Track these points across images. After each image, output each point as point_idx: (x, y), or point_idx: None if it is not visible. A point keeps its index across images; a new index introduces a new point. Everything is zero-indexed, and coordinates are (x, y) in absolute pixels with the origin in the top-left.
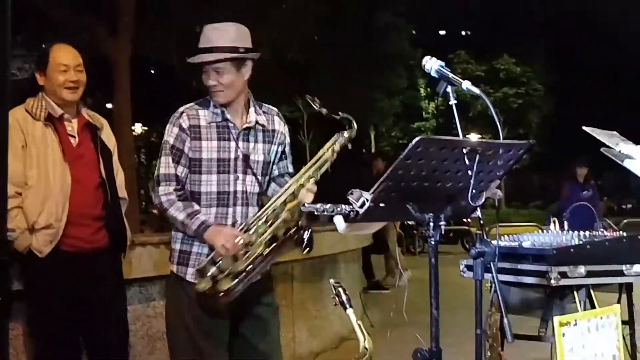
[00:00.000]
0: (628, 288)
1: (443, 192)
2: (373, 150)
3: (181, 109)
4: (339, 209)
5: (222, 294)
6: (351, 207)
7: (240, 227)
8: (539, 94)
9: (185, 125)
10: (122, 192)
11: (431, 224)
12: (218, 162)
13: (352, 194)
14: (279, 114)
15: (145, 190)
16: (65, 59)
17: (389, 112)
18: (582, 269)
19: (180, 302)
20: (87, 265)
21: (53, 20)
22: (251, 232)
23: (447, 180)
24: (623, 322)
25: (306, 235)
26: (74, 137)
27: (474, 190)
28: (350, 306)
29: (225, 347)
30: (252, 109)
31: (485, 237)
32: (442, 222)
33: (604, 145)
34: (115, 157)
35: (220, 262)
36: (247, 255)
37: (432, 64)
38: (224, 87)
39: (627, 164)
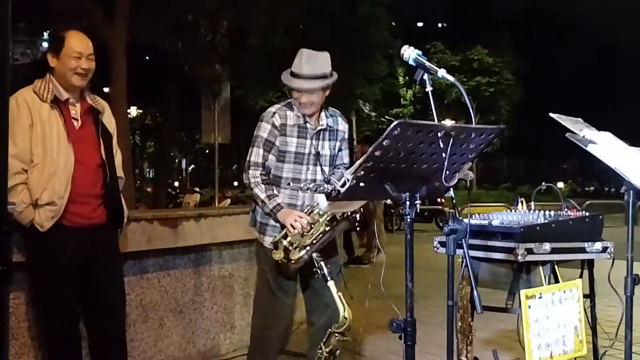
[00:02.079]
0: (589, 264)
1: (419, 173)
2: (355, 133)
3: (273, 109)
4: (321, 187)
5: (293, 262)
6: (333, 186)
7: (306, 210)
8: (509, 83)
9: (277, 123)
10: (120, 172)
11: (407, 202)
12: (295, 155)
13: (334, 173)
14: (341, 115)
15: (139, 170)
16: (80, 47)
17: (370, 98)
18: (547, 246)
19: (261, 256)
20: (86, 239)
21: (53, 7)
22: (314, 213)
23: (422, 162)
24: (584, 296)
25: (358, 216)
26: (76, 120)
27: (447, 172)
28: (331, 279)
29: (294, 298)
30: (323, 114)
31: (457, 215)
32: (418, 201)
33: (569, 130)
34: (114, 139)
35: (290, 237)
36: (311, 231)
37: (410, 53)
38: (314, 104)
39: (590, 148)
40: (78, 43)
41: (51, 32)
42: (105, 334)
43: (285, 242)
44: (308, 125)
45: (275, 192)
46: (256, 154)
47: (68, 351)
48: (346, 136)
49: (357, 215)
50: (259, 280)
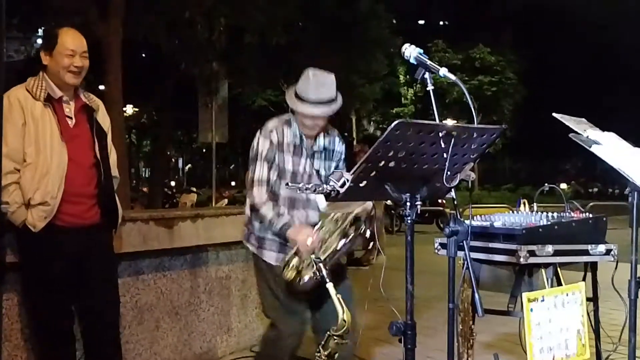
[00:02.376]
0: (593, 267)
1: (420, 173)
2: (354, 133)
3: (270, 126)
4: (320, 188)
5: (303, 282)
6: (332, 186)
7: (315, 228)
8: (512, 82)
9: (275, 141)
10: (115, 171)
11: (408, 203)
12: (292, 174)
13: (333, 174)
14: (339, 134)
15: (135, 169)
16: (73, 45)
17: (370, 97)
18: (549, 248)
19: (263, 272)
20: (80, 240)
21: (47, 3)
22: (324, 230)
23: (423, 162)
24: (588, 299)
25: (368, 233)
26: (70, 118)
27: (448, 172)
28: (330, 281)
29: (307, 309)
30: (321, 135)
31: (458, 217)
32: (418, 202)
33: (573, 131)
34: (109, 138)
35: (302, 255)
36: (323, 249)
37: (411, 51)
38: (319, 127)
39: (594, 149)
40: (72, 40)
41: (44, 29)
42: (99, 335)
43: (294, 261)
44: (303, 145)
45: (282, 210)
46: (260, 171)
47: (62, 353)
48: (343, 157)
49: (368, 232)
50: (266, 294)
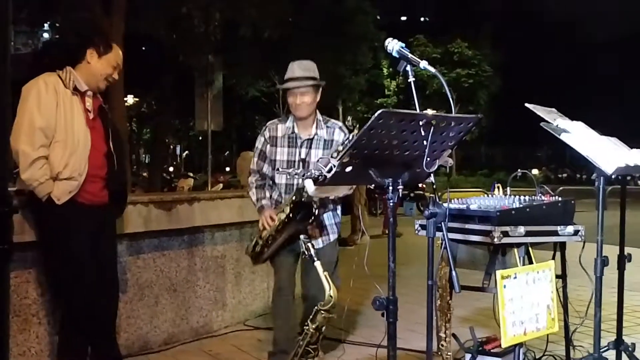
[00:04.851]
0: (562, 246)
1: (401, 159)
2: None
3: (268, 123)
4: (309, 173)
5: (256, 255)
6: (320, 171)
7: (275, 208)
8: (488, 75)
9: (266, 136)
10: None
11: (390, 187)
12: (287, 163)
13: (320, 160)
14: (342, 127)
15: (136, 155)
16: (120, 60)
17: (355, 88)
18: (521, 229)
19: None
20: (95, 217)
21: None
22: (280, 212)
23: (405, 149)
24: (557, 276)
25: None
26: (90, 112)
27: (428, 159)
28: (318, 259)
29: (288, 267)
30: (314, 125)
31: (437, 200)
32: (400, 187)
33: (544, 120)
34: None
35: (263, 234)
36: (268, 230)
37: (393, 45)
38: (306, 104)
39: (563, 137)
40: (120, 56)
41: (100, 33)
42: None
43: (257, 238)
44: (296, 135)
45: (266, 194)
46: (254, 163)
47: (85, 322)
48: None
49: (312, 217)
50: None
